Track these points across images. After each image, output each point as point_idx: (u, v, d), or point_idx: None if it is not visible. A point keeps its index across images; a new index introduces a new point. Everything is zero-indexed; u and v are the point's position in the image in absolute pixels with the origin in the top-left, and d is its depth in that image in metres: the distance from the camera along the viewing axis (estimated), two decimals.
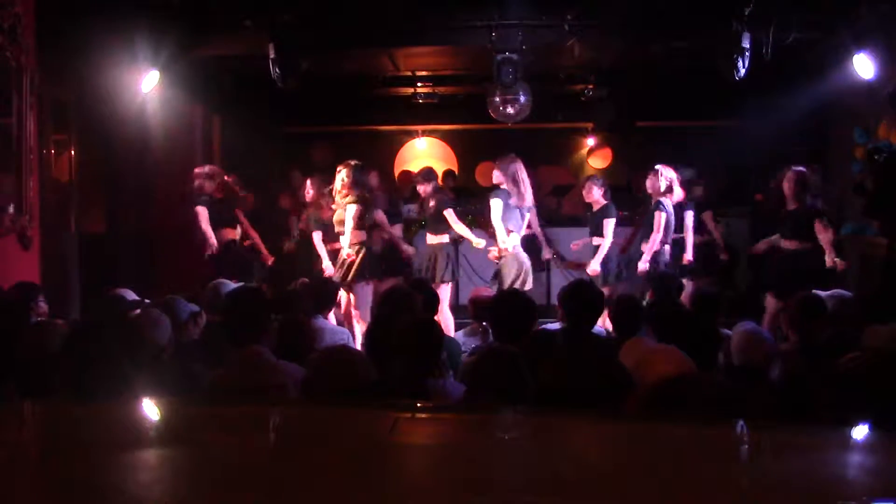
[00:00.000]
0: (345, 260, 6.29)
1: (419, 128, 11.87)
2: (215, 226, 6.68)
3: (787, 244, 6.34)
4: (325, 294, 5.13)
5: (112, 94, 7.03)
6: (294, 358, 3.37)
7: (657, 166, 6.73)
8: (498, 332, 3.91)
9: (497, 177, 6.44)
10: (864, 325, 4.04)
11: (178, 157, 8.55)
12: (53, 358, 3.13)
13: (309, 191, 7.03)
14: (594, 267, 6.80)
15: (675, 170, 6.84)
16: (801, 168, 6.40)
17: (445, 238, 6.83)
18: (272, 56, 6.89)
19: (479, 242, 6.62)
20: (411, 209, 7.98)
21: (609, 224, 6.86)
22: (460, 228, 6.65)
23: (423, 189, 6.82)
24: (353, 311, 6.28)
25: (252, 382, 3.06)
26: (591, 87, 9.56)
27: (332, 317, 5.79)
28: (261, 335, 3.32)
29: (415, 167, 10.05)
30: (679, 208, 6.87)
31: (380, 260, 6.73)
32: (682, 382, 2.38)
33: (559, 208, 9.89)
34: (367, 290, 6.31)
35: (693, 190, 7.42)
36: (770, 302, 6.34)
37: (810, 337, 4.05)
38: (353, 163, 6.38)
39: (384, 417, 1.75)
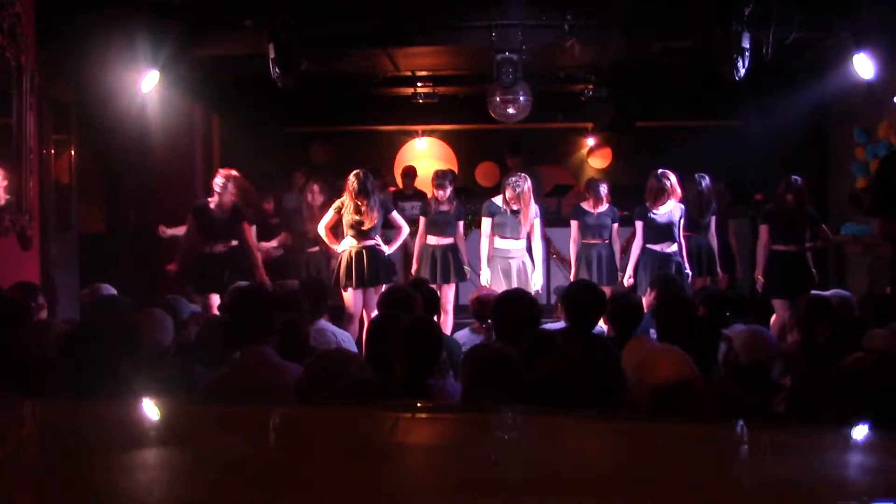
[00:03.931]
0: (351, 262, 6.27)
1: (419, 128, 11.86)
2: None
3: (783, 247, 6.43)
4: (318, 295, 5.08)
5: (112, 94, 7.04)
6: (294, 359, 3.36)
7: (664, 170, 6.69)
8: (500, 331, 3.91)
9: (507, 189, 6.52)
10: (865, 325, 4.05)
11: (178, 157, 8.55)
12: (53, 358, 3.13)
13: (318, 196, 7.02)
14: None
15: (702, 177, 6.91)
16: (797, 177, 6.50)
17: (450, 239, 6.86)
18: (272, 56, 6.89)
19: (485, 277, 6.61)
20: (415, 206, 7.95)
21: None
22: (485, 243, 6.63)
23: (443, 192, 6.80)
24: (365, 314, 6.26)
25: (255, 382, 3.06)
26: (591, 87, 9.56)
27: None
28: (265, 335, 3.31)
29: (415, 166, 10.04)
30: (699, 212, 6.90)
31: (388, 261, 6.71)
32: (683, 388, 2.38)
33: (559, 208, 9.88)
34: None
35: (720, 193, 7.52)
36: (778, 304, 6.37)
37: (812, 337, 4.06)
38: (359, 172, 6.30)
39: (384, 417, 1.75)
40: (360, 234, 6.27)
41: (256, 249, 6.75)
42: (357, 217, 6.23)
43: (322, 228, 6.47)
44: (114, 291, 4.99)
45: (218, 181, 6.40)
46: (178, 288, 6.33)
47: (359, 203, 6.21)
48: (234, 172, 6.61)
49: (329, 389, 2.84)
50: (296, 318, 3.98)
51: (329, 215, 6.41)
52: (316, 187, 7.14)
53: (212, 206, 6.41)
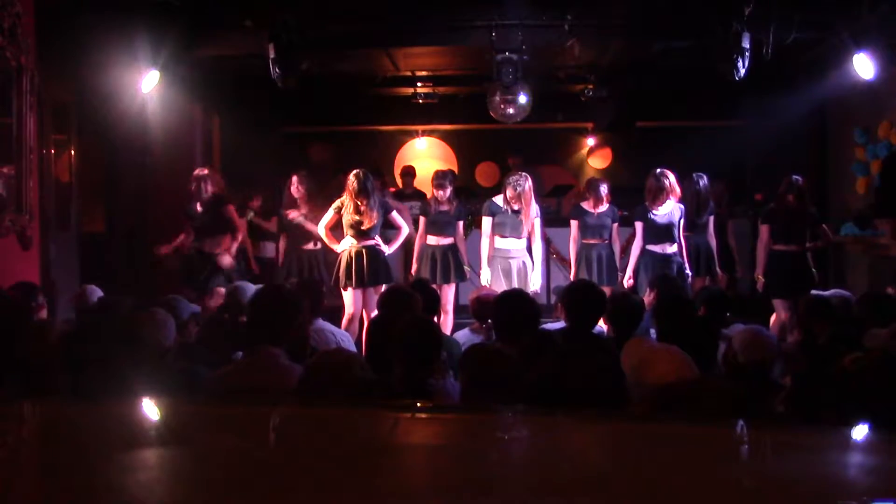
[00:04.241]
0: (351, 262, 6.26)
1: (419, 128, 11.86)
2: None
3: (784, 247, 6.44)
4: (315, 295, 5.04)
5: (112, 94, 7.04)
6: (295, 360, 3.36)
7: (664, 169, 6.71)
8: (500, 331, 3.91)
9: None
10: (866, 325, 4.05)
11: (178, 157, 8.55)
12: (53, 358, 3.13)
13: (298, 188, 6.97)
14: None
15: (700, 177, 6.92)
16: (798, 176, 6.51)
17: (450, 239, 6.85)
18: (272, 56, 6.88)
19: (485, 278, 6.59)
20: (414, 206, 7.94)
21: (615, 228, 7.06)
22: (486, 243, 6.62)
23: (443, 192, 6.80)
24: (365, 314, 6.24)
25: (263, 382, 3.06)
26: (591, 87, 9.56)
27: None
28: (283, 337, 3.29)
29: (415, 166, 10.05)
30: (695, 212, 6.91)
31: (388, 261, 6.70)
32: (682, 388, 2.38)
33: (559, 208, 9.89)
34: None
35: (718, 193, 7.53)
36: (778, 304, 6.38)
37: (812, 337, 4.06)
38: (360, 172, 6.30)
39: (384, 417, 1.76)
40: (360, 234, 6.26)
41: (240, 233, 6.80)
42: (357, 217, 6.22)
43: (322, 228, 6.46)
44: (101, 293, 4.98)
45: (193, 186, 6.57)
46: (176, 287, 6.34)
47: (358, 203, 6.21)
48: (204, 171, 6.75)
49: (330, 389, 2.84)
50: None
51: (329, 215, 6.40)
52: (295, 178, 7.05)
53: (197, 207, 6.57)
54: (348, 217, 6.25)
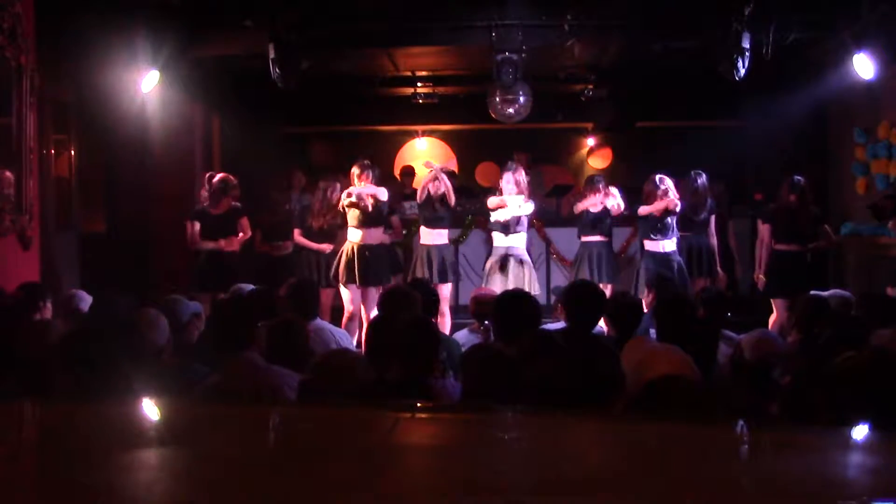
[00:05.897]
0: (352, 259, 6.28)
1: (419, 128, 11.86)
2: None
3: (785, 247, 6.44)
4: (309, 296, 5.01)
5: (112, 94, 7.03)
6: (287, 360, 3.36)
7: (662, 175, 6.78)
8: (499, 331, 3.91)
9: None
10: (868, 325, 4.04)
11: (178, 157, 8.55)
12: (53, 358, 3.13)
13: (339, 193, 7.01)
14: None
15: (698, 174, 6.97)
16: (800, 177, 6.53)
17: (445, 238, 6.86)
18: (272, 56, 6.89)
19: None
20: (413, 206, 7.95)
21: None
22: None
23: (437, 187, 6.83)
24: (364, 314, 6.25)
25: (244, 387, 3.07)
26: (591, 87, 9.56)
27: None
28: (249, 342, 3.33)
29: (414, 167, 10.05)
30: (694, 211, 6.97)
31: (389, 261, 6.72)
32: (674, 384, 2.37)
33: (559, 208, 9.89)
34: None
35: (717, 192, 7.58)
36: (778, 304, 6.39)
37: (812, 337, 4.06)
38: (366, 162, 6.41)
39: (384, 417, 1.76)
40: (364, 219, 6.28)
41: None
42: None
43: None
44: (89, 298, 4.94)
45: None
46: (178, 288, 6.33)
47: (360, 181, 6.29)
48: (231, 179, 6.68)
49: (336, 390, 2.85)
50: (291, 318, 3.95)
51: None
52: (338, 185, 7.05)
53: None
54: (351, 201, 6.31)
